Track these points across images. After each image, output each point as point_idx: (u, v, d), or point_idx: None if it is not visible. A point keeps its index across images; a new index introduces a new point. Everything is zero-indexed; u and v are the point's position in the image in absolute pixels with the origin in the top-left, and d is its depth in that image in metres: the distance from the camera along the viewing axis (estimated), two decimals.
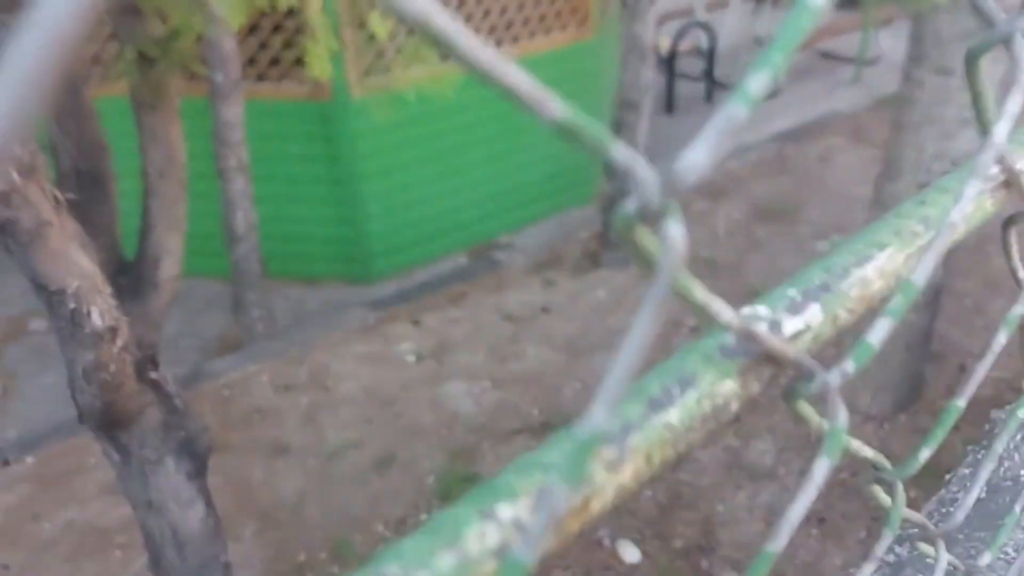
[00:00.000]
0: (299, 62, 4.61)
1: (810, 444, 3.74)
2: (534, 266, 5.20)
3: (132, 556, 3.35)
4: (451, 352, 4.52)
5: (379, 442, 3.97)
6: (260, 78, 4.71)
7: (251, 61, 4.63)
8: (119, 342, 1.97)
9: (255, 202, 4.36)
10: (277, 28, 4.57)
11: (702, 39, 7.42)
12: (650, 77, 4.65)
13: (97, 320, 1.87)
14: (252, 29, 4.55)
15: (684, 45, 7.32)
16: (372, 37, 4.61)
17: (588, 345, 4.46)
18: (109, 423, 2.27)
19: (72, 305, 1.85)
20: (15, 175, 1.66)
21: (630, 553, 3.30)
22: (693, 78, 7.68)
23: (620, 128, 4.74)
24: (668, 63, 7.11)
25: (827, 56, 8.22)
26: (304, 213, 5.07)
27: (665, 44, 7.17)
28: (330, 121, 4.77)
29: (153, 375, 2.37)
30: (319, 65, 3.97)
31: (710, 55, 7.35)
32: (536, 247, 5.40)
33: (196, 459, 2.54)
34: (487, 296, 4.95)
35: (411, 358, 4.52)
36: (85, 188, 2.23)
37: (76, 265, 1.78)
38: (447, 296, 4.96)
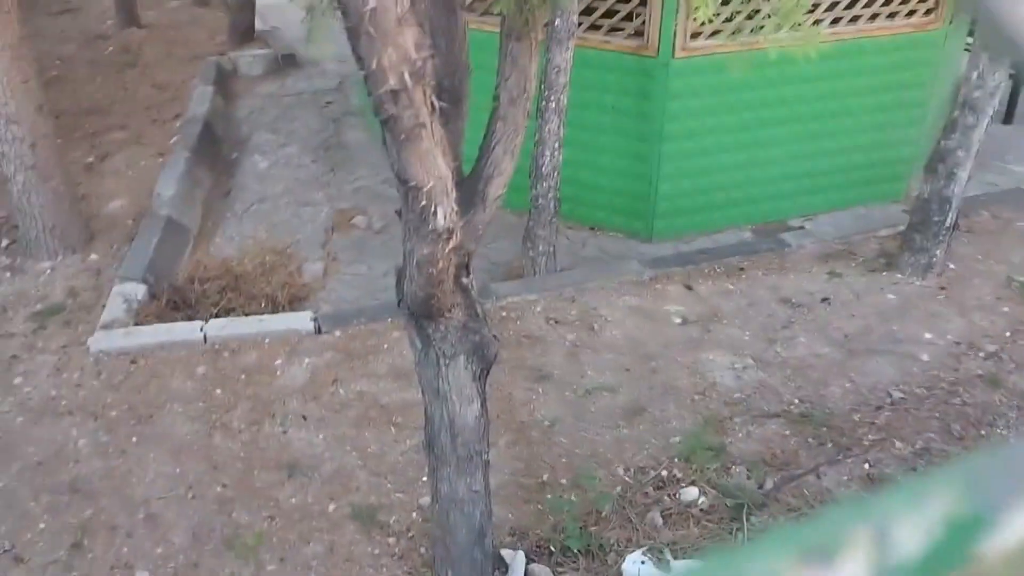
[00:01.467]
0: (631, 17, 4.74)
1: None
2: (823, 255, 5.00)
3: (404, 435, 3.79)
4: (719, 323, 4.52)
5: (633, 392, 4.10)
6: (592, 28, 4.90)
7: (587, 10, 4.84)
8: (451, 244, 2.24)
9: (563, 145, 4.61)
10: None
11: None
12: (1001, 80, 4.22)
13: (441, 220, 2.14)
14: None
15: None
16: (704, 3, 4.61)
17: (866, 346, 4.25)
18: (423, 313, 2.59)
19: (423, 202, 2.12)
20: (407, 77, 1.92)
21: None
22: None
23: (954, 129, 4.37)
24: (1017, 70, 6.36)
25: None
26: (603, 163, 5.25)
27: None
28: (649, 78, 4.88)
29: (464, 280, 2.65)
30: (651, 23, 4.08)
31: None
32: (829, 236, 5.18)
33: (483, 362, 2.82)
34: (766, 276, 4.86)
35: (677, 320, 4.58)
36: (446, 103, 2.50)
37: (436, 167, 2.04)
38: (725, 268, 4.93)
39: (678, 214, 5.34)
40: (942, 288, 4.67)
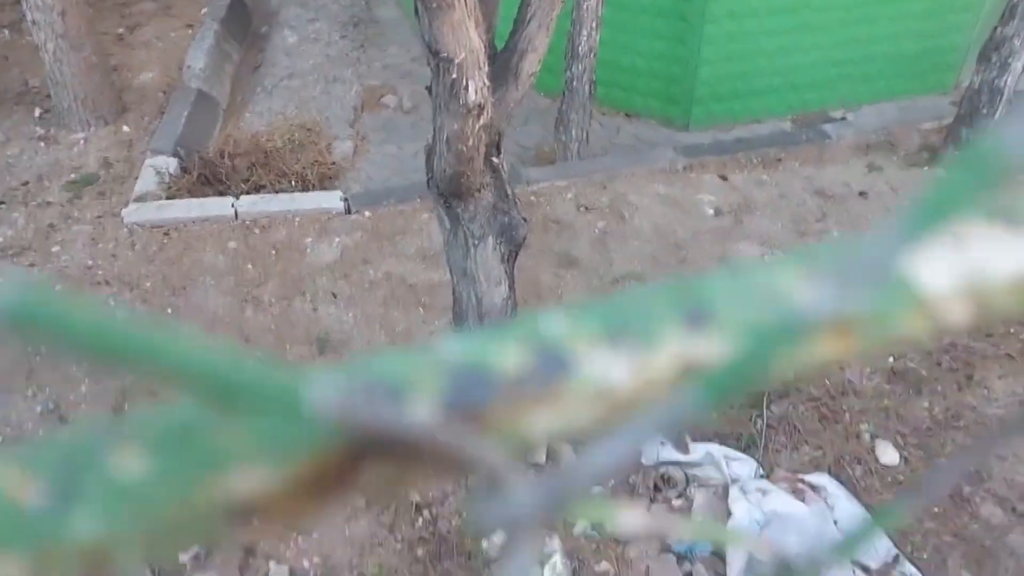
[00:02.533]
0: None
1: None
2: (863, 147, 4.86)
3: (431, 316, 3.85)
4: (751, 214, 4.45)
5: (660, 281, 4.09)
6: None
7: None
8: (482, 120, 2.20)
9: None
10: None
11: None
12: None
13: (472, 94, 2.09)
14: None
15: None
16: None
17: None
18: (452, 192, 2.57)
19: (454, 75, 2.07)
20: None
21: (888, 454, 3.22)
22: None
23: (1013, 15, 4.13)
24: None
25: None
26: (641, 45, 5.07)
27: None
28: None
29: (495, 160, 2.62)
30: None
31: None
32: (871, 128, 5.02)
33: (512, 245, 2.82)
34: (803, 167, 4.75)
35: (709, 210, 4.52)
36: None
37: (468, 39, 1.98)
38: (762, 158, 4.82)
39: (717, 100, 5.18)
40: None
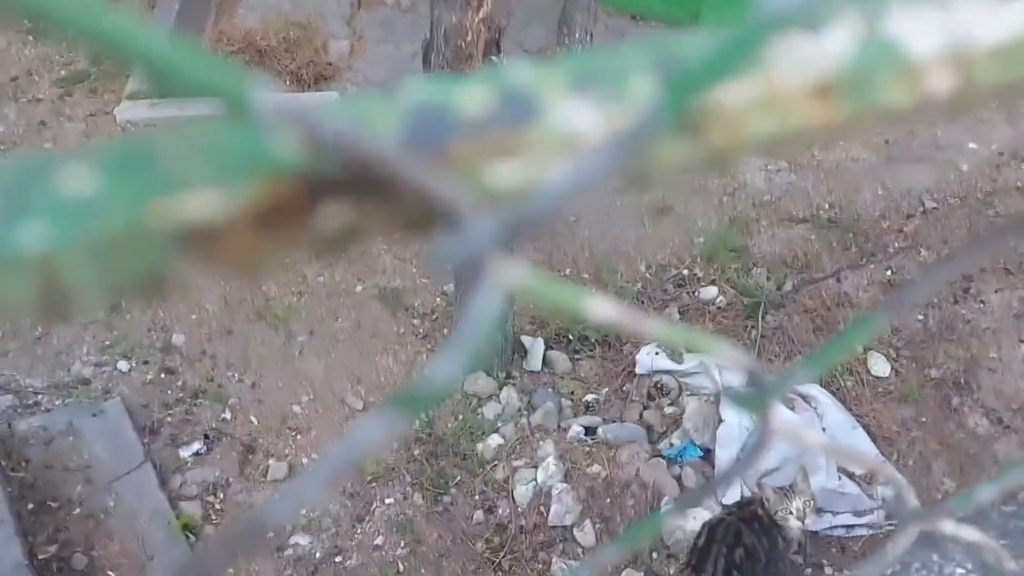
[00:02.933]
0: None
1: None
2: None
3: None
4: None
5: (661, 191, 4.05)
6: None
7: None
8: (481, 12, 2.13)
9: None
10: None
11: None
12: None
13: None
14: None
15: None
16: None
17: (908, 154, 4.12)
18: None
19: None
20: None
21: (880, 366, 3.26)
22: None
23: None
24: None
25: None
26: None
27: None
28: None
29: (495, 59, 2.55)
30: None
31: None
32: None
33: None
34: None
35: None
36: None
37: None
38: None
39: (727, 5, 5.02)
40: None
